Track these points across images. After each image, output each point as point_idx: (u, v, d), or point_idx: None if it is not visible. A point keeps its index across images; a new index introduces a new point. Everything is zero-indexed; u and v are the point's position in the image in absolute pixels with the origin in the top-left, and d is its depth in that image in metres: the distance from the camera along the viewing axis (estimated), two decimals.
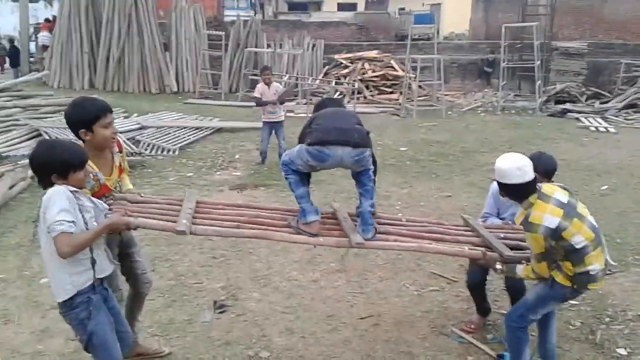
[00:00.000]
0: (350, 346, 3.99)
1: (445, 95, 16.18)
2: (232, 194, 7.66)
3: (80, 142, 3.07)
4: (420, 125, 13.12)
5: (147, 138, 10.31)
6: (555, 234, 2.95)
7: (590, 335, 4.09)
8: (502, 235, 3.55)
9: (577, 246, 2.98)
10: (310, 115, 3.85)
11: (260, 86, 9.04)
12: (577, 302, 4.53)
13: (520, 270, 3.20)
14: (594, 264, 3.05)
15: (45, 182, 2.73)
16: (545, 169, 3.57)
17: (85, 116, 3.03)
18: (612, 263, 5.16)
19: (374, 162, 3.51)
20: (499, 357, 3.66)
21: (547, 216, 2.95)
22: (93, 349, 2.82)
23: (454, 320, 4.32)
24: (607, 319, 4.31)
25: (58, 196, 2.63)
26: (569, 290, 3.15)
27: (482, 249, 3.32)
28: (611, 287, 4.82)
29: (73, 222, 2.61)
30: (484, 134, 12.21)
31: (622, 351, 3.88)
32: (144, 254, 3.74)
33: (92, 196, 2.96)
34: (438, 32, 23.84)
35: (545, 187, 3.12)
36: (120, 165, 3.36)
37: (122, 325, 3.08)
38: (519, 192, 3.09)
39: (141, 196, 3.46)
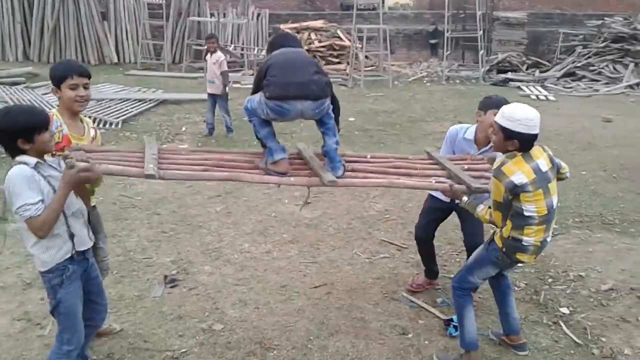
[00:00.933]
0: (304, 315, 4.01)
1: (392, 65, 16.27)
2: None
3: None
4: (367, 96, 13.17)
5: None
6: (515, 190, 2.97)
7: (534, 296, 4.26)
8: (465, 166, 3.54)
9: (525, 213, 3.03)
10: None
11: (208, 56, 8.90)
12: (520, 265, 4.69)
13: (480, 209, 3.22)
14: (530, 237, 3.08)
15: (13, 150, 2.67)
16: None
17: (53, 74, 3.11)
18: (555, 226, 5.40)
19: (336, 101, 3.45)
20: (449, 321, 3.76)
21: (519, 174, 2.97)
22: (58, 315, 2.86)
23: (405, 286, 4.40)
24: (550, 280, 4.50)
25: (17, 180, 2.60)
26: (500, 254, 3.19)
27: (449, 181, 3.30)
28: (553, 249, 5.02)
29: (39, 201, 2.60)
30: (430, 104, 12.38)
31: (565, 310, 4.06)
32: (106, 240, 3.64)
33: (55, 147, 2.91)
34: (383, 3, 23.81)
35: (536, 150, 3.10)
36: (93, 138, 3.32)
37: (101, 298, 3.16)
38: (512, 141, 3.01)
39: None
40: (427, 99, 12.94)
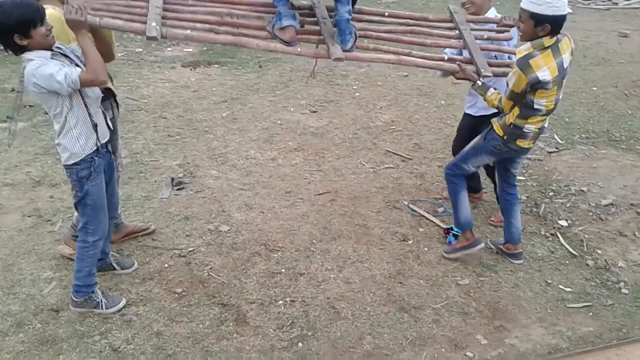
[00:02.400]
0: (307, 220, 4.10)
1: None
2: (185, 71, 7.39)
3: None
4: (378, 2, 12.69)
5: None
6: (537, 86, 2.96)
7: (534, 208, 4.33)
8: (485, 35, 3.46)
9: (535, 106, 3.07)
10: None
11: None
12: (523, 178, 4.75)
13: (490, 93, 3.21)
14: (532, 125, 3.16)
15: (12, 46, 2.64)
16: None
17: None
18: (560, 141, 5.40)
19: None
20: (448, 230, 3.85)
21: (545, 70, 2.92)
22: (84, 207, 2.95)
23: (408, 196, 4.47)
24: (551, 194, 4.55)
25: (42, 63, 2.60)
26: (499, 142, 3.27)
27: (458, 60, 3.25)
28: (557, 163, 5.04)
29: (72, 64, 2.68)
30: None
31: (563, 222, 4.13)
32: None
33: None
34: None
35: (565, 41, 3.04)
36: None
37: (114, 194, 3.29)
38: (543, 26, 2.90)
39: None
40: (441, 7, 12.48)
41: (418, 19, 3.57)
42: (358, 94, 6.78)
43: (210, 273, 3.43)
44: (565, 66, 3.03)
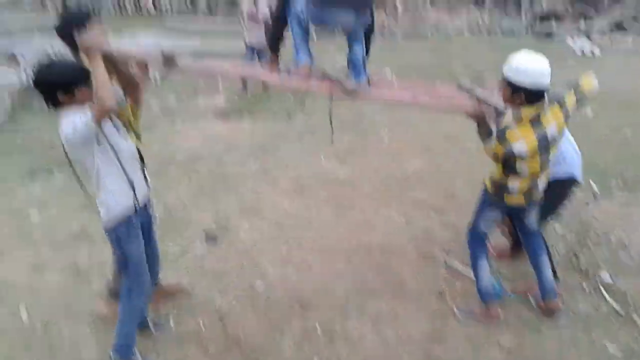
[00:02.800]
0: (341, 275, 4.06)
1: (431, 15, 15.76)
2: (216, 122, 7.54)
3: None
4: (404, 47, 12.86)
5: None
6: (512, 156, 2.97)
7: (574, 260, 4.21)
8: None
9: (517, 170, 3.07)
10: None
11: (248, 4, 8.41)
12: (561, 229, 4.64)
13: (491, 143, 3.06)
14: (515, 185, 3.14)
15: (54, 101, 2.70)
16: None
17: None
18: (596, 189, 5.29)
19: (373, 19, 3.43)
20: None
21: (521, 142, 2.91)
22: (126, 269, 2.97)
23: (442, 248, 4.41)
24: (591, 245, 4.43)
25: (67, 115, 2.65)
26: (491, 196, 3.28)
27: (475, 98, 3.18)
28: (594, 212, 4.93)
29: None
30: (469, 57, 12.02)
31: (605, 275, 4.01)
32: None
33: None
34: None
35: (553, 111, 3.01)
36: None
37: (155, 253, 3.31)
38: (519, 94, 2.91)
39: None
40: (466, 51, 12.57)
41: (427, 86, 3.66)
42: (386, 142, 6.79)
43: (246, 333, 3.41)
44: (550, 136, 2.99)
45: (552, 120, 3.01)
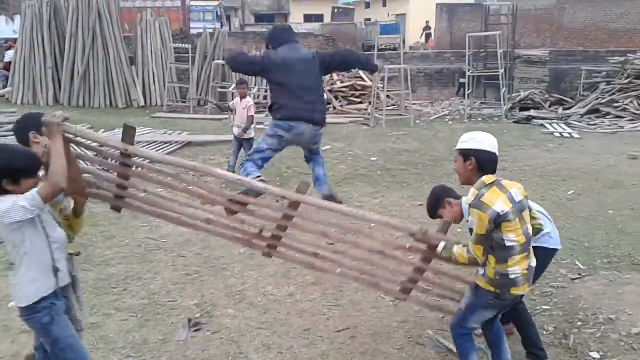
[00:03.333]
0: (327, 359, 3.97)
1: (413, 104, 16.37)
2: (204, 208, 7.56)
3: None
4: (389, 135, 13.24)
5: (115, 153, 10.12)
6: (498, 219, 2.95)
7: (563, 340, 4.15)
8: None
9: (507, 243, 3.00)
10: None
11: (236, 100, 8.98)
12: (548, 307, 4.61)
13: (456, 248, 3.14)
14: (515, 267, 3.04)
15: None
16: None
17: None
18: (582, 267, 5.31)
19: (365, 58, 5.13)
20: None
21: (500, 202, 2.95)
22: (61, 352, 2.81)
23: (430, 329, 4.34)
24: (579, 323, 4.38)
25: (2, 199, 2.62)
26: (491, 297, 3.12)
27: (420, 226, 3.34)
28: (581, 291, 4.92)
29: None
30: (452, 142, 12.19)
31: (595, 355, 3.94)
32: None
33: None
34: (404, 42, 24.14)
35: (506, 181, 3.11)
36: None
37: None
38: (470, 160, 3.07)
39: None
40: (449, 138, 12.93)
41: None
42: (374, 225, 6.82)
43: None
44: (517, 200, 3.04)
45: (512, 186, 3.09)
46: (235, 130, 8.91)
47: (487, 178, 3.06)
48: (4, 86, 17.00)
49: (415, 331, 4.33)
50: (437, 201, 3.82)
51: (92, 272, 5.39)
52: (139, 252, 5.94)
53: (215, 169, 3.33)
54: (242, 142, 8.91)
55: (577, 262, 5.50)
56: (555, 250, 3.76)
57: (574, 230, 6.43)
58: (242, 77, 9.89)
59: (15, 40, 19.48)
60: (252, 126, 8.98)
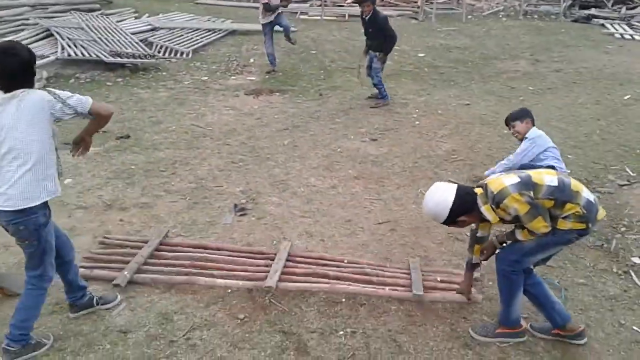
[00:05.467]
0: (367, 249, 4.09)
1: None
2: (248, 99, 7.59)
3: None
4: (439, 30, 12.68)
5: (159, 40, 10.08)
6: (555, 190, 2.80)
7: (605, 244, 4.15)
8: (439, 278, 3.68)
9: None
10: None
11: None
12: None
13: (519, 234, 2.95)
14: (583, 191, 2.86)
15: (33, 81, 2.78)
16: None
17: None
18: (631, 174, 5.18)
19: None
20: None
21: (548, 175, 2.86)
22: (43, 254, 2.88)
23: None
24: (623, 229, 4.36)
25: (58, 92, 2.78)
26: (575, 235, 2.91)
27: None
28: (629, 197, 4.84)
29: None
30: (505, 40, 11.80)
31: (637, 260, 3.94)
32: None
33: None
34: None
35: (535, 176, 2.86)
36: None
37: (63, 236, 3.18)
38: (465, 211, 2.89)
39: None
40: (502, 35, 12.34)
41: (375, 266, 3.84)
42: (418, 122, 6.76)
43: (272, 300, 3.46)
44: (554, 184, 2.83)
45: (542, 179, 2.87)
46: (267, 18, 8.50)
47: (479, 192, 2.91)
48: None
49: (455, 228, 4.37)
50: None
51: (142, 155, 5.57)
52: (186, 139, 6.06)
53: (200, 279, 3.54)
54: (274, 22, 8.54)
55: (627, 169, 5.36)
56: None
57: (627, 136, 6.21)
58: None
59: None
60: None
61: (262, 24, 8.58)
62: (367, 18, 7.06)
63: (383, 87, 7.35)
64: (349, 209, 4.69)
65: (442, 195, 2.91)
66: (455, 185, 2.96)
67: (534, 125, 4.24)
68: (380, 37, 7.09)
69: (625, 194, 4.91)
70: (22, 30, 9.65)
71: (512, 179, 2.85)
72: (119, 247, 3.98)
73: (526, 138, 4.16)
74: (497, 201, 2.81)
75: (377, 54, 7.12)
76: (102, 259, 3.81)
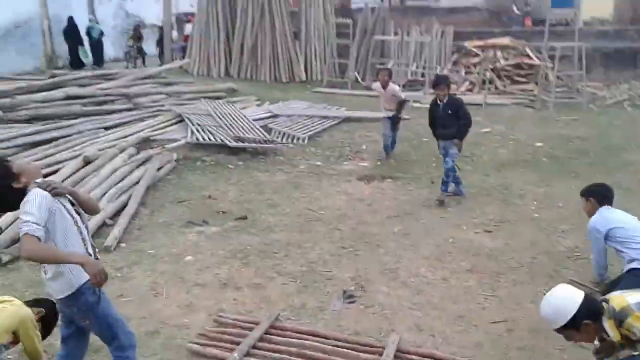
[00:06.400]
0: (482, 350, 3.87)
1: (587, 86, 15.01)
2: (360, 184, 7.72)
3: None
4: (557, 119, 12.31)
5: (278, 126, 10.66)
6: None
7: None
8: None
9: None
10: None
11: (377, 85, 8.90)
12: None
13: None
14: None
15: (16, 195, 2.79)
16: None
17: None
18: None
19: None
20: None
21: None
22: (109, 328, 2.96)
23: None
24: None
25: (35, 197, 2.73)
26: None
27: None
28: None
29: (43, 226, 2.66)
30: (632, 130, 11.16)
31: None
32: None
33: None
34: (578, 17, 22.10)
35: (617, 301, 2.70)
36: None
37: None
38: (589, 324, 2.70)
39: None
40: (628, 126, 11.70)
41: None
42: (537, 215, 6.47)
43: None
44: None
45: (626, 301, 2.72)
46: (387, 113, 8.80)
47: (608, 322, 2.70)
48: (182, 58, 18.58)
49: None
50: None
51: (257, 236, 5.78)
52: (299, 222, 6.23)
53: None
54: (394, 122, 8.81)
55: None
56: None
57: None
58: (386, 65, 9.58)
59: (193, 14, 21.15)
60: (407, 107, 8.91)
61: (383, 117, 8.93)
62: (443, 102, 6.78)
63: (455, 172, 7.04)
64: (462, 303, 4.51)
65: (569, 294, 2.76)
66: (583, 292, 2.78)
67: (601, 204, 3.83)
68: (455, 123, 6.71)
69: None
70: (158, 115, 10.64)
71: (635, 297, 2.69)
72: (231, 326, 4.08)
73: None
74: (619, 319, 2.65)
75: (454, 141, 6.81)
76: (215, 337, 3.92)
